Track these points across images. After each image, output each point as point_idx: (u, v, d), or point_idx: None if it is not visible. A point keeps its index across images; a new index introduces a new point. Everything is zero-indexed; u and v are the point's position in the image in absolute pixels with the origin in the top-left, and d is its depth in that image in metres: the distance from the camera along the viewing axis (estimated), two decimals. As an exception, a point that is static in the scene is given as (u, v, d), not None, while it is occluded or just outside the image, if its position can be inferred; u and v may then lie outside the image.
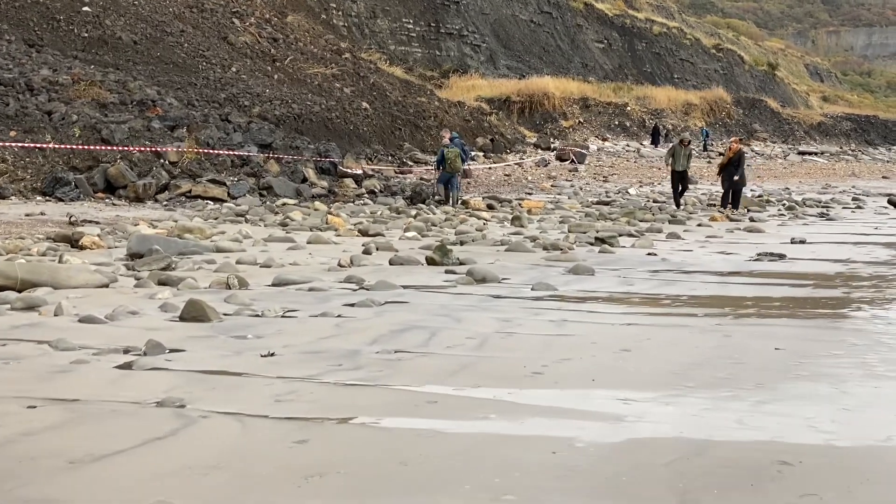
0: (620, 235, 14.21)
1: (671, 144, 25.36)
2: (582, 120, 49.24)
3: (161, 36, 29.45)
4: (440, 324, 7.15)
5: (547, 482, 3.77)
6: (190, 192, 19.28)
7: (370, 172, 24.65)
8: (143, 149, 20.34)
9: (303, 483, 3.73)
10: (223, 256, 11.01)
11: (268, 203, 19.09)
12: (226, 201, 19.01)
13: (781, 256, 12.06)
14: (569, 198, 24.74)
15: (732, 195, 21.20)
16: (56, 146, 19.58)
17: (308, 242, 12.89)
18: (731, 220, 18.68)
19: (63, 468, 3.87)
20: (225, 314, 7.32)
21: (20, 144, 19.31)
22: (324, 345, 6.34)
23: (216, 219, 16.33)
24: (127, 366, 5.66)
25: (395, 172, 27.21)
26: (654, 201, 23.74)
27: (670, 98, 57.03)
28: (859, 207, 23.45)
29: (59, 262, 9.82)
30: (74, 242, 11.78)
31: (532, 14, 61.74)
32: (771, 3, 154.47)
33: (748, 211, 20.88)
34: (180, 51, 29.09)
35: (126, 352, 6.00)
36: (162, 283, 8.90)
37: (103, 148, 19.93)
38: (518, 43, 59.59)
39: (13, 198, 17.55)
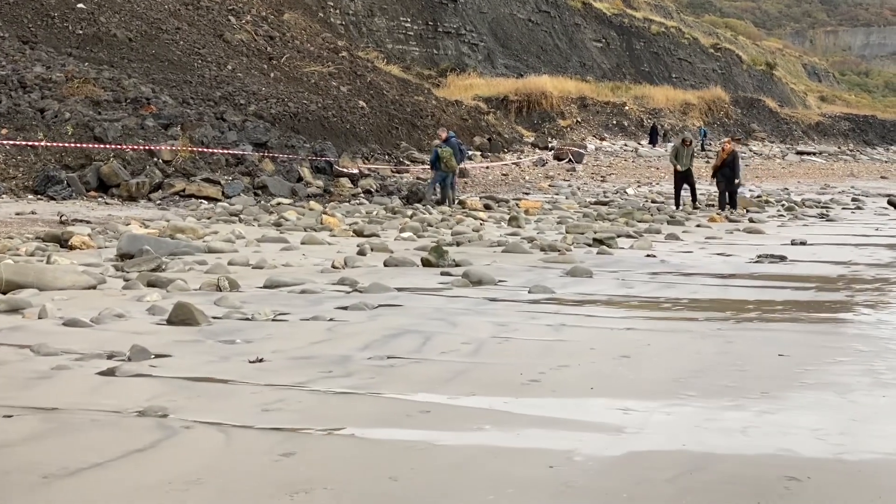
0: (619, 236, 14.03)
1: (673, 145, 25.18)
2: (580, 119, 49.05)
3: (156, 33, 29.23)
4: (434, 328, 6.97)
5: (543, 500, 3.59)
6: (184, 191, 19.10)
7: (366, 172, 24.45)
8: (136, 147, 20.14)
9: (287, 500, 3.56)
10: (215, 257, 10.84)
11: (262, 202, 18.91)
12: (220, 200, 18.82)
13: (782, 258, 11.89)
14: (566, 198, 24.57)
15: (729, 196, 21.06)
16: (48, 144, 19.39)
17: (302, 243, 12.72)
18: (730, 220, 18.51)
19: (36, 483, 3.70)
20: (214, 317, 7.14)
21: (12, 142, 19.11)
22: (314, 350, 6.16)
23: (209, 218, 16.15)
24: (110, 372, 5.48)
25: (392, 172, 27.03)
26: (653, 201, 23.58)
27: (668, 97, 56.91)
28: (859, 208, 23.27)
29: (47, 262, 9.64)
30: (64, 242, 11.61)
31: (530, 13, 61.56)
32: (769, 3, 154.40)
33: (747, 211, 20.71)
34: (175, 48, 28.87)
35: (110, 357, 5.82)
36: (151, 284, 8.72)
37: (96, 146, 19.73)
38: (516, 42, 59.40)
39: (4, 196, 17.35)
